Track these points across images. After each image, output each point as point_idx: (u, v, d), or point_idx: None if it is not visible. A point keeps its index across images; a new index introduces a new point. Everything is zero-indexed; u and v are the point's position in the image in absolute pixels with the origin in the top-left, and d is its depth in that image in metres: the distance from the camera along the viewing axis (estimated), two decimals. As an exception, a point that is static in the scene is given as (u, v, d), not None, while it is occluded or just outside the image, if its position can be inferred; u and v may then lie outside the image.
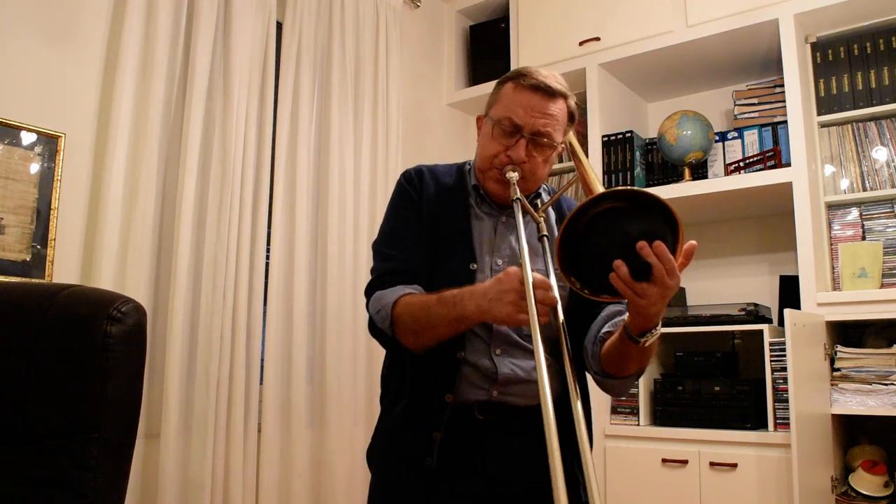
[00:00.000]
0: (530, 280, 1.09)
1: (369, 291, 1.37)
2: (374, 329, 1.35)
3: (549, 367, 1.33)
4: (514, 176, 1.31)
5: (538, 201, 1.45)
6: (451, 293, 1.21)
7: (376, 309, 1.31)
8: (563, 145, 1.39)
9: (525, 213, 1.27)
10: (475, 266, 1.35)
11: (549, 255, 1.24)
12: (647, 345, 1.17)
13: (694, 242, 1.07)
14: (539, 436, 1.33)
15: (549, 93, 1.33)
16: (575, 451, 1.31)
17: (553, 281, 1.20)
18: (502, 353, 1.32)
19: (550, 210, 1.45)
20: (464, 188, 1.44)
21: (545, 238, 1.25)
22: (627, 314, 1.16)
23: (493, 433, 1.31)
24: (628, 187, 1.04)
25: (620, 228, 1.04)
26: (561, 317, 1.16)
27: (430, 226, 1.38)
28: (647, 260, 1.03)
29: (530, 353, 1.33)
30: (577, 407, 1.00)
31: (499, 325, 1.28)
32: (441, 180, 1.44)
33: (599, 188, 1.13)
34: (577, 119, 1.43)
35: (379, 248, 1.42)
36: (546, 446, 1.32)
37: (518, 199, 1.27)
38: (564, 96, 1.36)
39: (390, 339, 1.30)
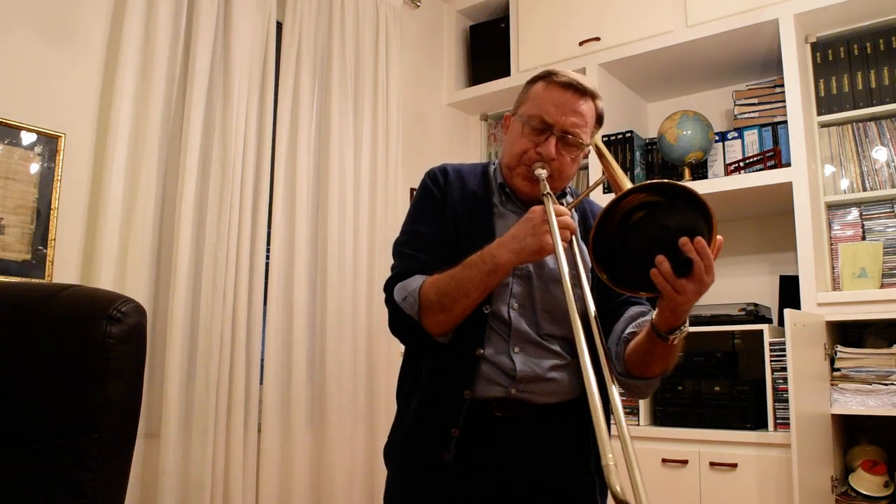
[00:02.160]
0: (553, 212, 1.17)
1: (389, 286, 1.36)
2: (397, 322, 1.34)
3: (567, 365, 1.33)
4: (542, 173, 1.32)
5: (563, 201, 1.45)
6: (474, 255, 1.24)
7: (402, 296, 1.30)
8: (590, 146, 1.39)
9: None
10: None
11: (576, 249, 1.26)
12: (674, 342, 1.17)
13: (721, 238, 1.06)
14: (556, 432, 1.34)
15: (581, 91, 1.34)
16: (596, 451, 1.31)
17: (584, 277, 1.21)
18: (521, 350, 1.32)
19: (574, 212, 1.44)
20: (488, 186, 1.44)
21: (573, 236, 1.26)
22: (655, 312, 1.16)
23: (510, 429, 1.30)
24: (663, 180, 1.03)
25: (658, 223, 1.04)
26: (592, 309, 1.15)
27: (453, 224, 1.39)
28: (689, 256, 1.02)
29: (548, 352, 1.33)
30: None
31: (533, 261, 1.28)
32: (465, 179, 1.44)
33: (629, 186, 1.13)
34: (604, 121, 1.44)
35: (400, 247, 1.42)
36: (563, 444, 1.33)
37: (548, 193, 1.27)
38: (594, 97, 1.38)
39: (416, 327, 1.29)
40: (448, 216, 1.39)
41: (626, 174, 2.81)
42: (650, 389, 1.34)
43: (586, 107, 1.35)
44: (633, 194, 1.04)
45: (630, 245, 1.06)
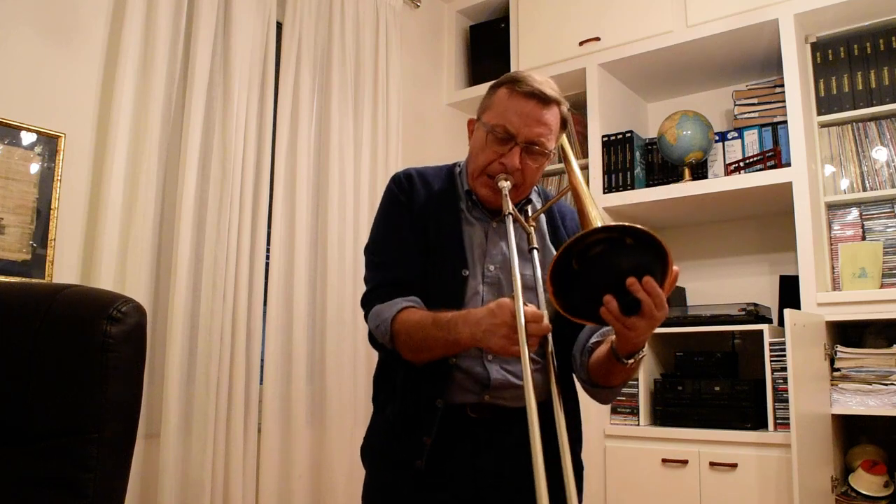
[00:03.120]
0: (522, 314, 1.09)
1: (366, 304, 1.36)
2: (374, 340, 1.35)
3: (538, 369, 1.34)
4: (506, 185, 1.30)
5: (528, 207, 1.44)
6: (446, 316, 1.21)
7: (375, 324, 1.31)
8: (554, 152, 1.39)
9: (516, 223, 1.27)
10: (467, 272, 1.34)
11: (537, 264, 1.26)
12: (632, 366, 1.21)
13: (677, 268, 1.08)
14: (528, 436, 1.35)
15: (544, 100, 1.32)
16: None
17: (542, 297, 1.22)
18: (494, 358, 1.31)
19: (541, 216, 1.45)
20: (454, 192, 1.42)
21: (535, 250, 1.27)
22: (615, 335, 1.19)
23: (483, 431, 1.31)
24: (622, 223, 1.05)
25: (612, 262, 1.06)
26: (550, 346, 1.19)
27: (421, 231, 1.37)
28: (637, 296, 1.05)
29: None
30: (561, 418, 1.06)
31: (492, 353, 1.28)
32: (431, 185, 1.43)
33: (590, 207, 1.16)
34: (570, 124, 1.44)
35: (371, 256, 1.41)
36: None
37: (510, 213, 1.26)
38: (558, 103, 1.35)
39: (391, 351, 1.31)
40: (416, 223, 1.38)
41: (626, 174, 2.82)
42: (614, 396, 1.37)
43: (550, 115, 1.33)
44: (595, 233, 1.06)
45: (585, 280, 1.07)
